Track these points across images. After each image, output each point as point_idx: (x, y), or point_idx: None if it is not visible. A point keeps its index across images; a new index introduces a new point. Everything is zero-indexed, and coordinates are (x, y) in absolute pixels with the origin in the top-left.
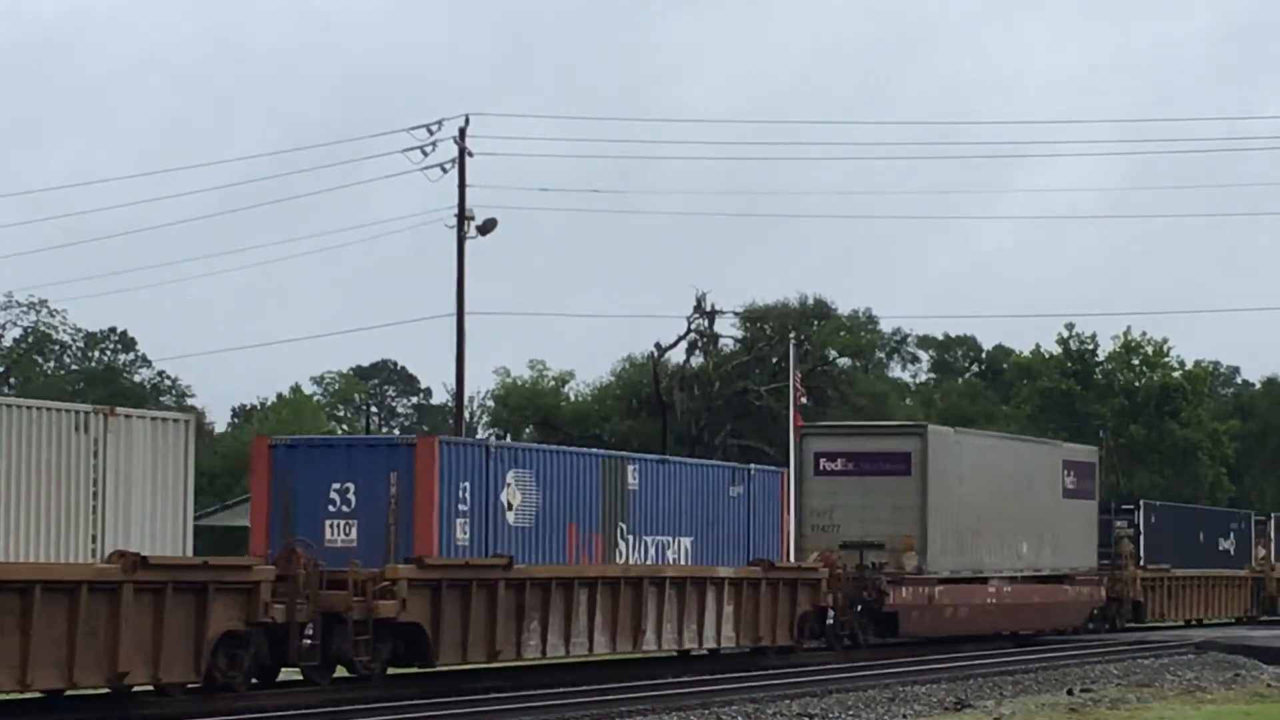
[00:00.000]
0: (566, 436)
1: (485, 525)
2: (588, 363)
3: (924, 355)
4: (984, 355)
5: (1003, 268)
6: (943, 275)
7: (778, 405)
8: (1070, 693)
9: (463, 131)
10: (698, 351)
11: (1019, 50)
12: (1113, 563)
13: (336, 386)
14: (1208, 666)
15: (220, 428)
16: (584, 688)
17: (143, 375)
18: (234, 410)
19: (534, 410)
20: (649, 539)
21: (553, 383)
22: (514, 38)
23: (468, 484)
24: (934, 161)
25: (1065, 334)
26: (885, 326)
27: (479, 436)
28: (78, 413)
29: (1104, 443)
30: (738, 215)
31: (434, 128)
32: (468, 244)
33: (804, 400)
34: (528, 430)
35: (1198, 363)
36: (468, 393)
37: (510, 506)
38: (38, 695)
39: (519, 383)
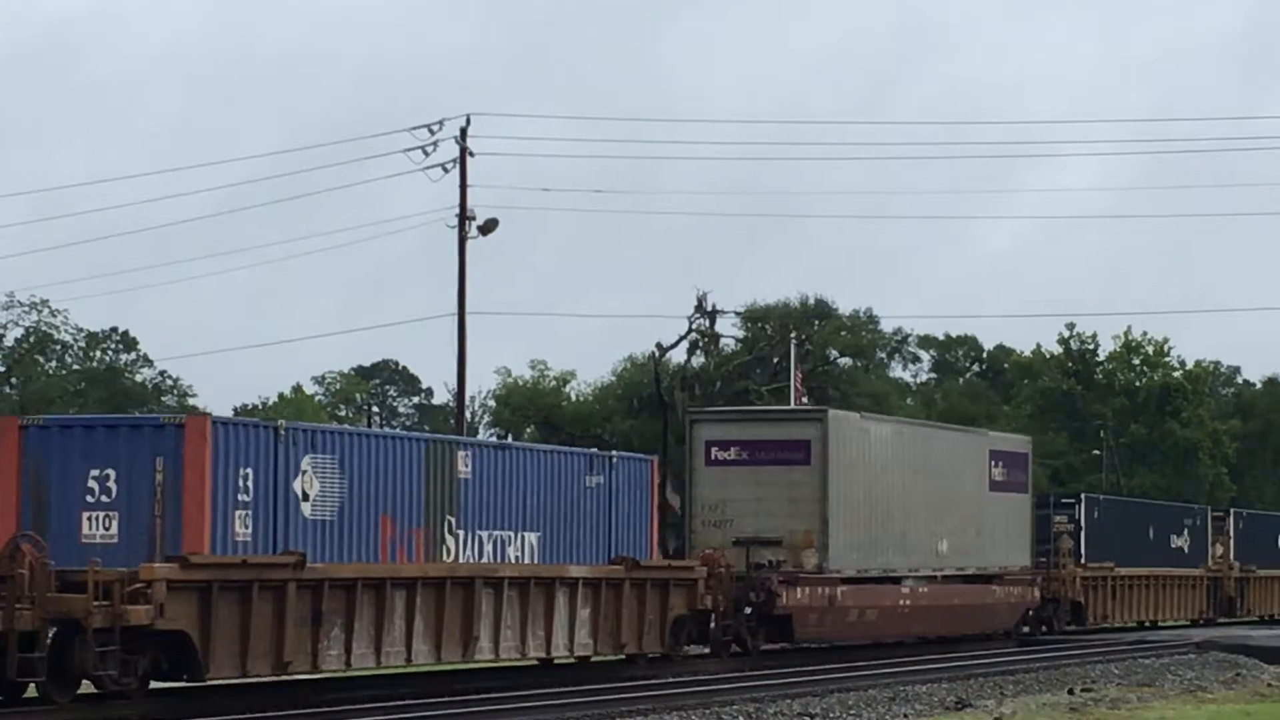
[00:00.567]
0: (568, 436)
1: (274, 519)
2: (589, 363)
3: (925, 355)
4: (985, 355)
5: (1004, 268)
6: (944, 275)
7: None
8: (1071, 692)
9: (464, 131)
10: (699, 351)
11: (1030, 50)
12: (1050, 561)
13: (338, 386)
14: (1208, 666)
15: None
16: (584, 687)
17: (144, 375)
18: (235, 410)
19: (535, 410)
20: (485, 534)
21: (554, 383)
22: (523, 38)
23: (250, 470)
24: (941, 161)
25: (1066, 334)
26: (886, 326)
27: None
28: None
29: (1105, 443)
30: (741, 215)
31: (435, 128)
32: (469, 244)
33: (804, 400)
34: (529, 430)
35: (1198, 362)
36: (469, 393)
37: (306, 497)
38: None
39: (520, 383)
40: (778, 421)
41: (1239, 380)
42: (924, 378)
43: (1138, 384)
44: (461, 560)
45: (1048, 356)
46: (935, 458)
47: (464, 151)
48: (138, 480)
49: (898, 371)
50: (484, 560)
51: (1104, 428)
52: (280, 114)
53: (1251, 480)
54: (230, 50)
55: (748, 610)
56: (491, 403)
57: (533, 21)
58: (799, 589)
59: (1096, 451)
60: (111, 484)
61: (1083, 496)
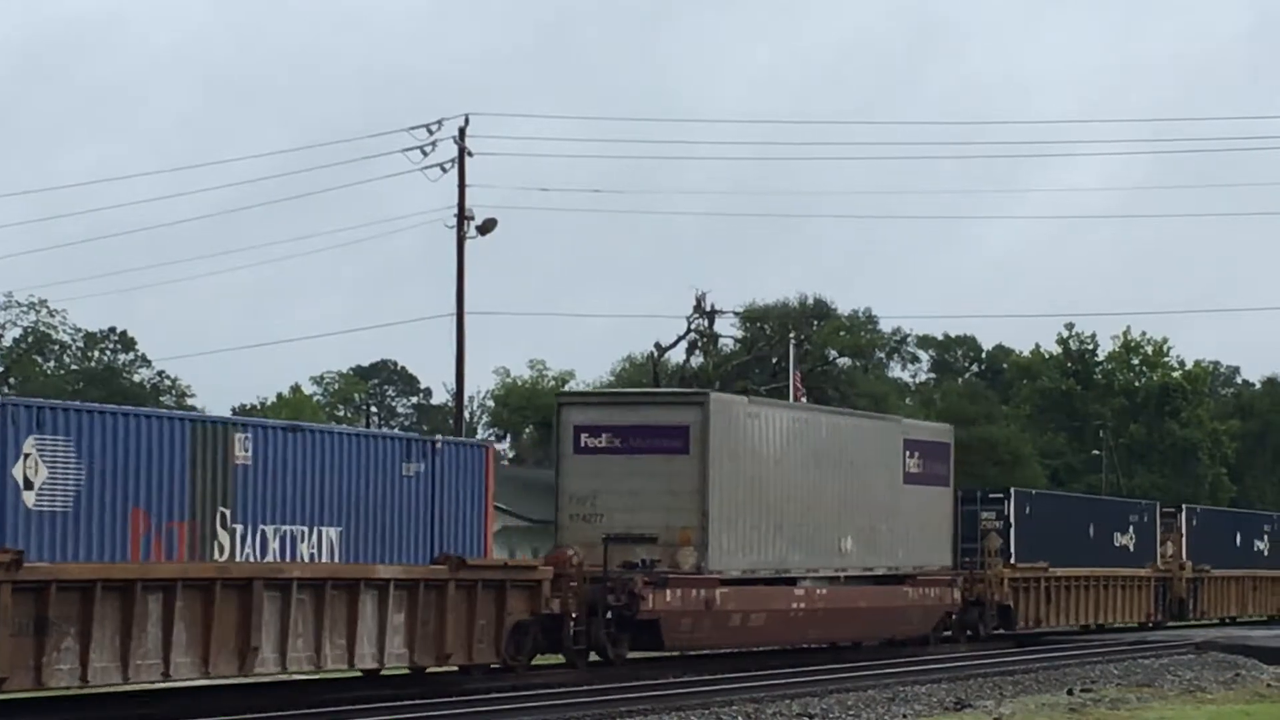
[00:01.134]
0: None
1: None
2: (588, 363)
3: (924, 355)
4: (984, 355)
5: (1004, 268)
6: (944, 275)
7: None
8: (1070, 693)
9: (462, 131)
10: (698, 351)
11: (1037, 50)
12: (976, 560)
13: (336, 386)
14: (1208, 666)
15: None
16: (584, 687)
17: (142, 375)
18: (234, 410)
19: (534, 410)
20: (270, 530)
21: (553, 382)
22: (528, 38)
23: None
24: (945, 162)
25: (1065, 334)
26: (885, 326)
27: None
28: None
29: (1104, 443)
30: (742, 215)
31: (434, 127)
32: (469, 244)
33: (804, 400)
34: (528, 430)
35: (1198, 363)
36: (468, 393)
37: (29, 485)
38: None
39: (519, 383)
40: (654, 405)
41: (1239, 380)
42: (923, 378)
43: (1137, 384)
44: (239, 559)
45: (1047, 357)
46: (840, 447)
47: (462, 151)
48: None
49: (897, 372)
50: (268, 559)
51: (1103, 428)
52: (283, 115)
53: (1251, 480)
54: (236, 51)
55: (608, 615)
56: (490, 403)
57: (540, 21)
58: (668, 591)
59: (1096, 452)
60: None
61: (1013, 491)
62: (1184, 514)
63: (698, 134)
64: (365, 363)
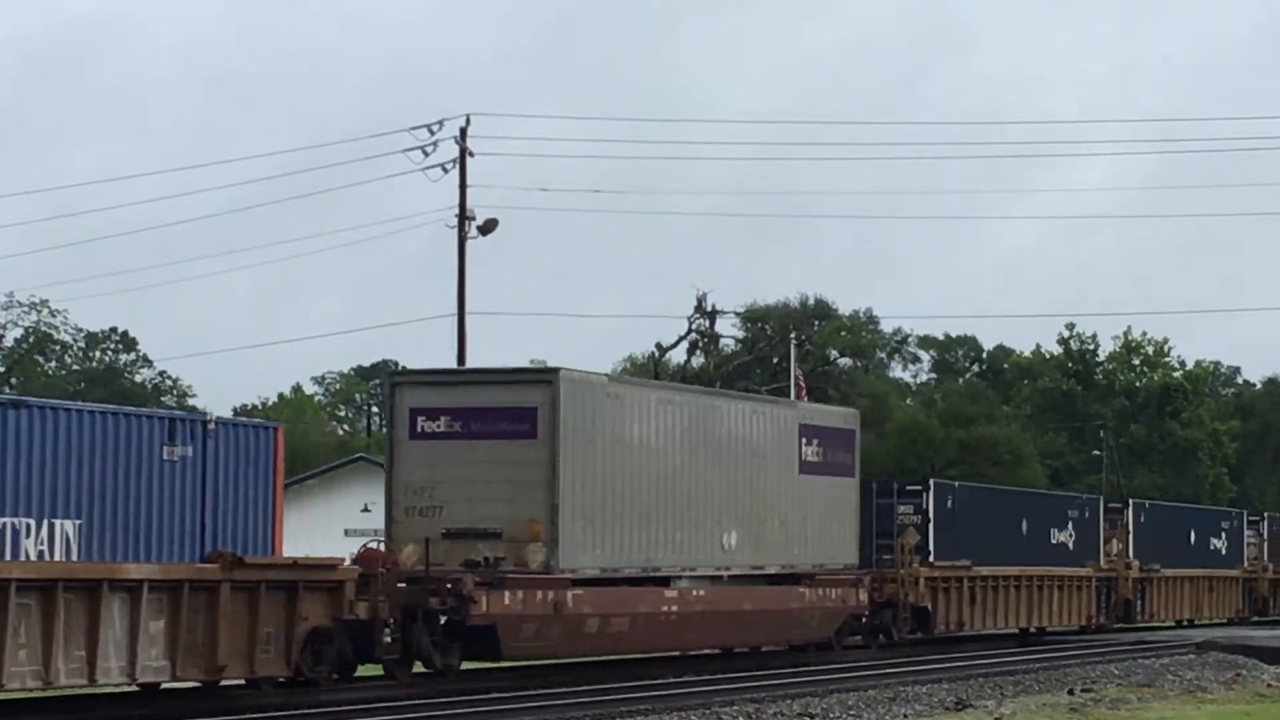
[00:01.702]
0: None
1: None
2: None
3: (925, 355)
4: (985, 355)
5: (1005, 268)
6: (945, 275)
7: None
8: (1071, 693)
9: (464, 131)
10: (699, 351)
11: (1043, 51)
12: (891, 559)
13: (337, 386)
14: (1208, 666)
15: None
16: (584, 688)
17: (143, 375)
18: (235, 410)
19: None
20: None
21: None
22: (529, 39)
23: None
24: (949, 162)
25: (1066, 334)
26: (886, 326)
27: None
28: None
29: (1105, 443)
30: (743, 216)
31: (435, 128)
32: (470, 244)
33: (804, 400)
34: None
35: (1198, 363)
36: None
37: None
38: None
39: None
40: (497, 385)
41: (1239, 380)
42: (924, 378)
43: (1137, 384)
44: None
45: (1048, 357)
46: (722, 433)
47: (463, 151)
48: None
49: (897, 372)
50: None
51: (1104, 428)
52: (288, 115)
53: (1252, 481)
54: (241, 51)
55: (441, 620)
56: None
57: (542, 22)
58: (506, 593)
59: (1096, 452)
60: None
61: (932, 483)
62: (1131, 510)
63: (699, 134)
64: (367, 363)
